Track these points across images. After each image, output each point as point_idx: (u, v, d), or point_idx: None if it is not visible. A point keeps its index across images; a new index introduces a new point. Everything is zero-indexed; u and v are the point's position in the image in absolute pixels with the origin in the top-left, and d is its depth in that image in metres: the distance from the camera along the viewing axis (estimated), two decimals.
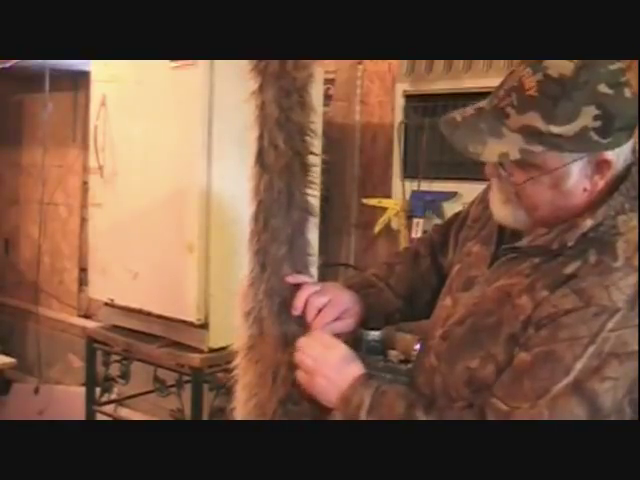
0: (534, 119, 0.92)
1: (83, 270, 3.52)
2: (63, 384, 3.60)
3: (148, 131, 2.34)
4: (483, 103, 1.00)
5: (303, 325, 1.18)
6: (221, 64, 2.14)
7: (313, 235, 1.27)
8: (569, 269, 0.95)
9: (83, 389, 2.74)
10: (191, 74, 2.17)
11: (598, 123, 0.91)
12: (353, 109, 2.78)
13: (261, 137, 1.17)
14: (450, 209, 2.38)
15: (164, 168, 2.29)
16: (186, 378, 2.36)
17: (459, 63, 2.39)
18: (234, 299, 1.24)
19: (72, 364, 3.68)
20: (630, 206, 0.97)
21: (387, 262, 1.34)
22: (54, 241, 3.82)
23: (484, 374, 0.99)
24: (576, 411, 0.89)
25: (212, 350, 2.22)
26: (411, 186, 2.56)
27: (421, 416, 0.99)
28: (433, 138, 2.47)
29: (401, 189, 2.58)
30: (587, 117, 0.91)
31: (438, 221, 2.40)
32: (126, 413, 3.26)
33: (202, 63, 2.14)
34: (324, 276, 2.52)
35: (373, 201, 2.67)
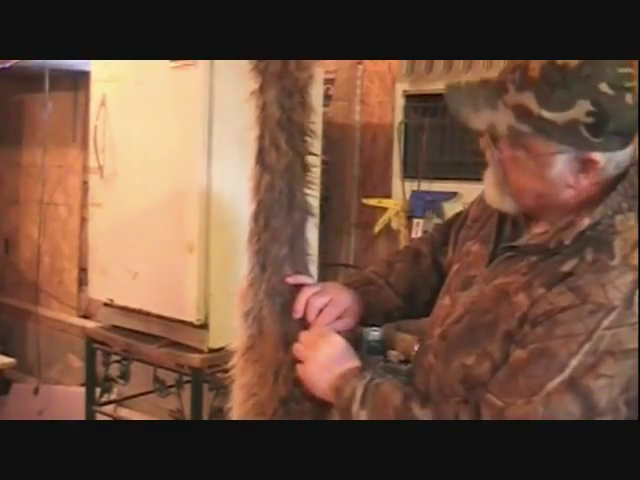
0: (529, 100, 0.93)
1: (83, 270, 3.52)
2: (63, 384, 3.60)
3: (148, 131, 2.34)
4: (490, 76, 1.02)
5: (304, 325, 1.18)
6: (221, 64, 2.14)
7: (313, 235, 1.28)
8: (566, 267, 0.96)
9: (83, 389, 2.74)
10: (191, 74, 2.17)
11: (590, 120, 0.91)
12: (353, 109, 2.78)
13: (262, 137, 1.17)
14: (450, 209, 2.38)
15: (164, 168, 2.29)
16: (186, 378, 2.36)
17: (459, 63, 2.39)
18: (233, 299, 1.24)
19: (72, 364, 3.68)
20: (628, 205, 0.97)
21: (387, 260, 1.35)
22: (54, 241, 3.82)
23: (479, 371, 0.99)
24: (570, 408, 0.89)
25: (212, 350, 2.21)
26: (411, 186, 2.56)
27: (417, 409, 1.00)
28: (433, 138, 2.47)
29: (401, 189, 2.58)
30: (580, 111, 0.91)
31: (438, 221, 2.40)
32: (126, 413, 3.26)
33: (202, 63, 2.14)
34: (324, 276, 2.53)
35: (373, 201, 2.67)
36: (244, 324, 1.21)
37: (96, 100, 2.50)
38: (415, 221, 2.54)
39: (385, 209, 2.61)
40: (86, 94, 2.93)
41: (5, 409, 3.57)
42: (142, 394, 2.80)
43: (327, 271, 2.69)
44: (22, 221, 4.01)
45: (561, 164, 0.96)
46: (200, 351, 2.25)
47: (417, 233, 2.50)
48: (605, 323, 0.90)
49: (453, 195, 2.44)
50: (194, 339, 2.27)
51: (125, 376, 2.59)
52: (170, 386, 2.48)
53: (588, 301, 0.91)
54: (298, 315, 1.18)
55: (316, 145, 1.23)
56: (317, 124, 1.22)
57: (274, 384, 1.18)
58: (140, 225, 2.38)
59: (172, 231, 2.27)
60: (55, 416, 3.21)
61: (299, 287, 1.20)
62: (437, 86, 2.46)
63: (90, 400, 2.63)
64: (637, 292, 0.91)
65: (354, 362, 1.10)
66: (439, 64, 2.45)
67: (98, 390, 2.66)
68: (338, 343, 1.12)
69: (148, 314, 2.37)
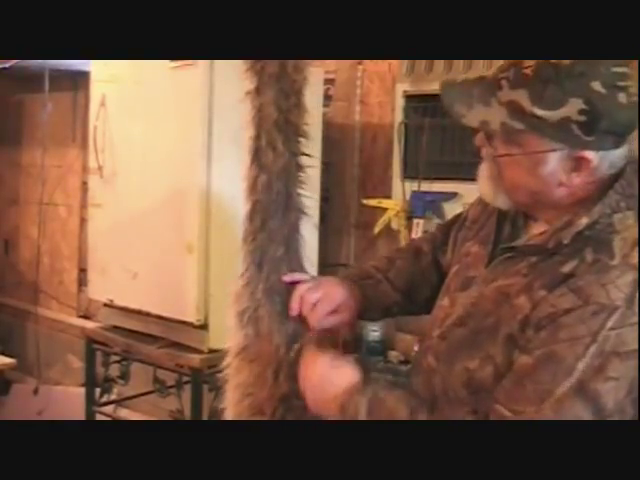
0: (522, 97, 0.94)
1: (83, 270, 3.52)
2: (62, 385, 3.60)
3: (148, 131, 2.34)
4: (487, 72, 1.02)
5: (301, 321, 1.20)
6: (221, 64, 2.14)
7: (311, 235, 1.28)
8: (566, 268, 0.95)
9: (82, 390, 2.74)
10: (191, 74, 2.17)
11: (582, 118, 0.91)
12: (353, 109, 2.78)
13: (258, 137, 1.17)
14: (450, 209, 2.38)
15: (164, 168, 2.29)
16: (186, 379, 2.36)
17: (459, 63, 2.39)
18: (228, 299, 1.25)
19: (72, 364, 3.68)
20: (626, 204, 0.97)
21: (388, 256, 1.36)
22: (54, 241, 3.82)
23: (482, 375, 0.98)
24: (580, 413, 0.89)
25: (212, 351, 2.21)
26: (411, 186, 2.56)
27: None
28: (433, 138, 2.47)
29: (401, 189, 2.58)
30: (572, 108, 0.91)
31: (438, 221, 2.40)
32: (126, 414, 3.26)
33: (202, 63, 2.14)
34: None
35: (373, 201, 2.66)
36: (239, 323, 1.22)
37: (96, 100, 2.50)
38: (415, 221, 2.54)
39: (385, 209, 2.61)
40: (86, 94, 2.93)
41: (5, 409, 3.57)
42: (142, 394, 2.80)
43: (327, 271, 2.69)
44: (22, 221, 4.01)
45: (554, 162, 0.96)
46: (200, 351, 2.25)
47: (417, 233, 2.50)
48: (609, 324, 0.89)
49: (453, 195, 2.44)
50: (194, 339, 2.27)
51: (125, 376, 2.59)
52: (170, 386, 2.48)
53: (590, 302, 0.90)
54: (294, 312, 1.19)
55: (311, 146, 1.23)
56: (311, 125, 1.22)
57: (274, 383, 1.18)
58: (140, 225, 2.38)
59: (172, 231, 2.27)
60: (55, 416, 3.21)
61: (295, 285, 1.20)
62: (437, 86, 2.45)
63: (90, 400, 2.63)
64: (637, 291, 0.91)
65: (355, 375, 1.09)
66: (439, 64, 2.45)
67: (98, 390, 2.66)
68: (334, 357, 1.12)
69: (148, 314, 2.37)
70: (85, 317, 3.61)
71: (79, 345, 3.12)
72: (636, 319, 0.89)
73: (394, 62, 2.61)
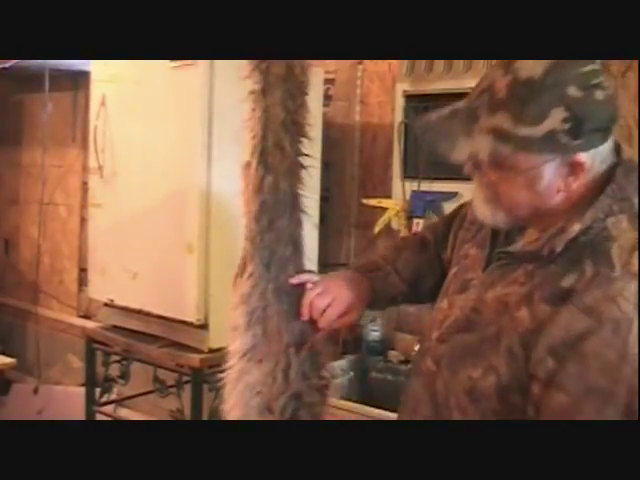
0: (503, 120, 0.93)
1: (83, 270, 3.52)
2: (62, 384, 3.60)
3: (148, 131, 2.34)
4: (459, 104, 1.01)
5: (310, 322, 1.22)
6: (221, 64, 2.14)
7: (313, 235, 1.29)
8: (566, 282, 0.94)
9: (83, 389, 2.74)
10: (191, 74, 2.17)
11: (567, 125, 0.91)
12: (353, 109, 2.78)
13: (264, 138, 1.17)
14: (450, 209, 2.37)
15: (164, 168, 2.29)
16: (186, 378, 2.36)
17: (459, 63, 2.39)
18: (231, 300, 1.25)
19: (72, 364, 3.68)
20: (619, 208, 0.96)
21: (395, 245, 1.37)
22: (54, 241, 3.82)
23: (485, 385, 0.98)
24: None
25: (212, 350, 2.22)
26: (411, 186, 2.56)
27: None
28: None
29: (401, 189, 2.58)
30: (555, 119, 0.91)
31: None
32: (126, 413, 3.26)
33: (202, 63, 2.14)
34: None
35: (373, 201, 2.67)
36: (247, 324, 1.22)
37: (96, 100, 2.50)
38: (415, 221, 2.54)
39: (385, 209, 2.61)
40: (86, 94, 2.93)
41: (5, 409, 3.57)
42: (142, 394, 2.80)
43: (327, 271, 2.69)
44: (22, 221, 4.01)
45: (549, 173, 0.95)
46: (200, 351, 2.25)
47: None
48: (631, 338, 0.88)
49: (453, 195, 2.44)
50: (194, 339, 2.27)
51: (125, 376, 2.59)
52: (170, 386, 2.48)
53: (604, 320, 0.89)
54: (304, 318, 1.21)
55: (311, 146, 1.24)
56: (314, 125, 1.23)
57: (284, 381, 1.19)
58: (140, 225, 2.38)
59: (172, 231, 2.27)
60: (55, 416, 3.21)
61: (303, 286, 1.22)
62: (437, 86, 2.46)
63: (90, 400, 2.63)
64: (638, 299, 0.90)
65: None
66: (439, 64, 2.45)
67: (98, 390, 2.66)
68: None
69: (148, 314, 2.37)
70: (85, 317, 3.61)
71: (79, 345, 3.12)
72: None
73: (394, 62, 2.61)
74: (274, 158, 1.18)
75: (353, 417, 2.06)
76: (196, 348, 2.26)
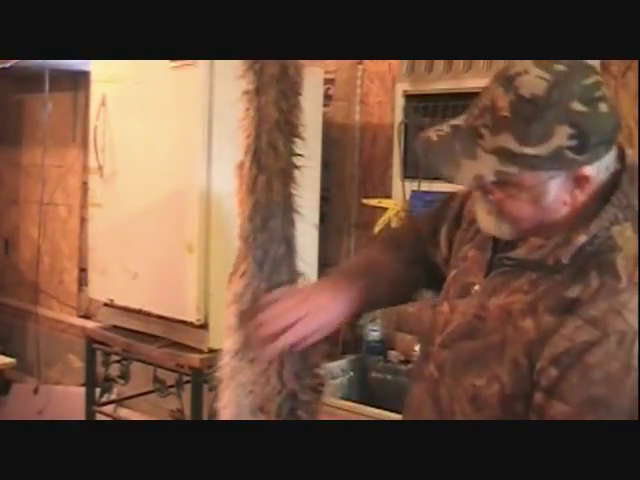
0: (508, 140, 0.91)
1: (83, 270, 3.52)
2: (63, 384, 3.60)
3: (148, 131, 2.34)
4: (459, 120, 0.99)
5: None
6: (221, 64, 2.14)
7: (312, 235, 1.28)
8: (571, 292, 0.93)
9: (83, 389, 2.74)
10: (191, 74, 2.17)
11: (573, 142, 0.90)
12: (353, 109, 2.78)
13: (258, 138, 1.18)
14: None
15: (164, 168, 2.29)
16: (186, 378, 2.36)
17: (459, 63, 2.39)
18: (225, 298, 1.25)
19: (72, 364, 3.68)
20: (624, 216, 0.96)
21: (389, 244, 1.31)
22: (54, 241, 3.82)
23: (489, 394, 0.98)
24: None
25: (212, 350, 2.21)
26: (411, 186, 2.56)
27: None
28: None
29: (401, 189, 2.58)
30: (561, 136, 0.89)
31: None
32: (126, 413, 3.26)
33: (202, 63, 2.14)
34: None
35: (373, 201, 2.66)
36: (239, 323, 1.22)
37: (96, 100, 2.50)
38: None
39: (385, 209, 2.60)
40: (86, 94, 2.93)
41: (5, 409, 3.57)
42: (142, 394, 2.80)
43: (327, 271, 2.69)
44: (22, 221, 4.01)
45: (555, 188, 0.94)
46: (200, 351, 2.25)
47: None
48: (635, 350, 0.88)
49: None
50: (194, 339, 2.27)
51: (125, 376, 2.59)
52: (170, 386, 2.48)
53: (610, 332, 0.89)
54: (265, 334, 1.11)
55: (311, 146, 1.24)
56: (310, 125, 1.23)
57: (278, 381, 1.19)
58: (140, 225, 2.38)
59: (172, 231, 2.27)
60: (55, 416, 3.21)
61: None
62: (437, 86, 2.46)
63: (90, 400, 2.63)
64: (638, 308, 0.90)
65: None
66: (439, 64, 2.45)
67: (98, 390, 2.66)
68: None
69: (148, 314, 2.37)
70: (85, 317, 3.61)
71: (79, 345, 3.12)
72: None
73: (394, 62, 2.61)
74: (267, 158, 1.18)
75: (353, 417, 2.06)
76: (196, 348, 2.26)
